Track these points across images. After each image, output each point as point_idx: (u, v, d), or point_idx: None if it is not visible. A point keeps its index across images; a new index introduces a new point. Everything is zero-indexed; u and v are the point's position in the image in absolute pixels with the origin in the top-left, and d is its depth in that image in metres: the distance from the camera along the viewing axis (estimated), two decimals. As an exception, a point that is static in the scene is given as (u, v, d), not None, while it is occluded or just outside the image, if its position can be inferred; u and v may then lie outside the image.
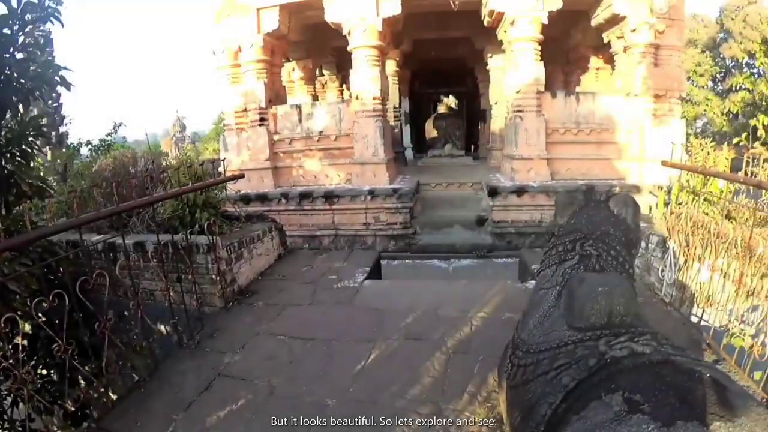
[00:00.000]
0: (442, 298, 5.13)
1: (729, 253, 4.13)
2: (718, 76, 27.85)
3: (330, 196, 8.33)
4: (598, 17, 9.14)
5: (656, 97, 8.28)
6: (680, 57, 8.72)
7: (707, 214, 5.31)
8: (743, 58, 26.12)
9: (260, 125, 9.06)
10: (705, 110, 26.04)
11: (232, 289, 5.56)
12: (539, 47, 8.37)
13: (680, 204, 5.75)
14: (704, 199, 5.62)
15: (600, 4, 8.91)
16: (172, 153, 31.10)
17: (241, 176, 6.27)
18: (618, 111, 8.48)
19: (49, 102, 19.32)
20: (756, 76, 25.89)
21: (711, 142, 6.41)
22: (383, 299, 5.28)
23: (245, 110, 9.16)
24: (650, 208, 7.89)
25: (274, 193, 8.64)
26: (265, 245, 6.44)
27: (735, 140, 6.35)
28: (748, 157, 5.19)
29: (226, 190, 6.77)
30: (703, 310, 4.27)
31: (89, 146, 13.79)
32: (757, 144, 5.72)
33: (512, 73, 8.59)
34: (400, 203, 8.17)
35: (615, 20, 8.65)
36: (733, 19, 25.99)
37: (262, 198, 8.67)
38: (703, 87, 26.95)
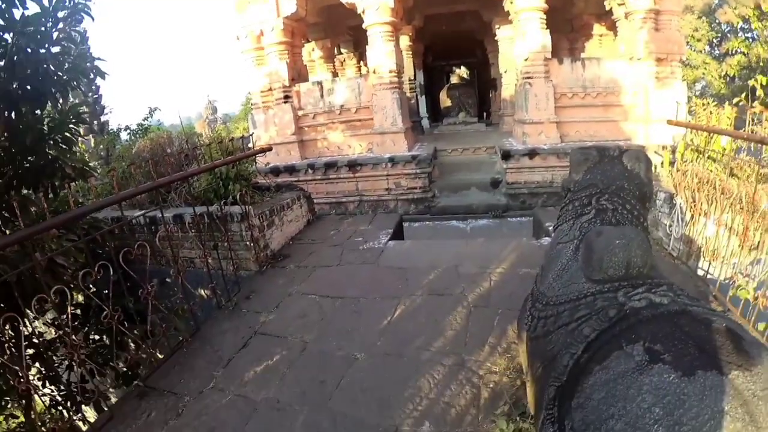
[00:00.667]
0: (461, 256, 4.94)
1: (734, 209, 3.85)
2: (714, 40, 26.54)
3: (353, 165, 8.12)
4: None
5: (658, 61, 7.88)
6: (679, 22, 8.33)
7: (711, 171, 5.00)
8: (738, 22, 24.76)
9: (285, 102, 8.82)
10: (703, 74, 24.94)
11: (265, 254, 5.45)
12: (545, 16, 7.99)
13: (685, 162, 5.42)
14: (708, 157, 5.29)
15: None
16: (205, 134, 31.26)
17: (269, 149, 6.08)
18: (622, 75, 8.10)
19: (89, 93, 19.47)
20: (750, 40, 24.55)
21: (712, 102, 6.01)
22: (406, 258, 5.11)
23: (270, 89, 8.91)
24: (655, 167, 7.59)
25: (301, 165, 8.46)
26: (295, 212, 6.29)
27: (735, 100, 5.92)
28: (751, 116, 4.83)
29: (255, 163, 6.61)
30: (710, 264, 4.09)
31: (128, 131, 13.65)
32: (756, 103, 5.31)
33: (520, 42, 8.23)
34: (419, 169, 7.92)
35: None
36: (727, -15, 24.62)
37: (290, 169, 8.50)
38: (700, 51, 25.80)
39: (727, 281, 3.69)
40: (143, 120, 13.95)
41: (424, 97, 13.88)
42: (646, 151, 7.79)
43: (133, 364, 3.74)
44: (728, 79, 24.37)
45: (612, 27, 10.92)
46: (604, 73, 8.10)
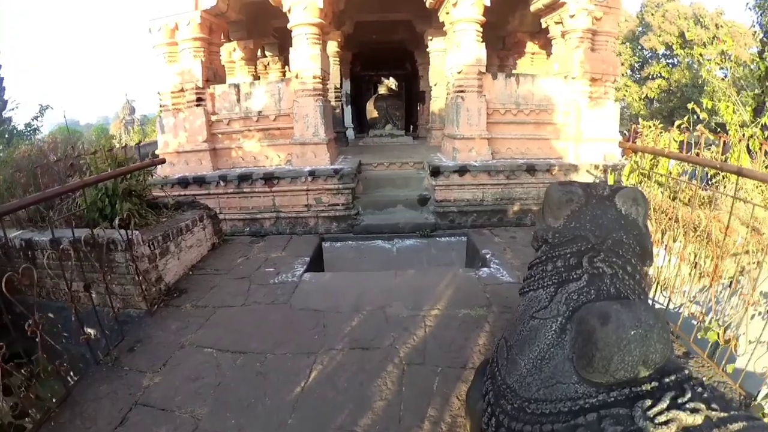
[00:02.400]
0: (389, 293, 4.31)
1: (687, 237, 3.54)
2: (636, 65, 28.32)
3: (270, 178, 7.31)
4: (538, 3, 8.47)
5: (593, 81, 7.80)
6: (615, 43, 8.27)
7: (656, 195, 4.80)
8: (661, 49, 26.56)
9: (197, 105, 7.86)
10: (624, 95, 26.42)
11: (158, 288, 4.54)
12: (481, 29, 7.69)
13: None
14: (654, 181, 5.09)
15: None
16: (121, 136, 29.02)
17: (162, 161, 5.21)
18: (556, 93, 7.97)
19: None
20: (671, 66, 26.41)
21: (658, 124, 5.91)
22: (325, 297, 4.39)
23: (182, 90, 7.91)
24: None
25: (212, 176, 7.54)
26: (196, 236, 5.41)
27: (677, 123, 5.83)
28: (697, 138, 4.66)
29: (152, 175, 5.67)
30: (661, 294, 3.73)
31: (15, 132, 11.96)
32: (700, 127, 5.22)
33: (453, 54, 7.85)
34: (341, 184, 7.25)
35: (554, 6, 8.08)
36: (653, 14, 26.46)
37: (200, 181, 7.56)
38: (623, 75, 27.43)
39: (675, 310, 3.50)
40: (33, 119, 12.23)
41: (350, 107, 13.23)
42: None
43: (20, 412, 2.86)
44: (648, 101, 26.05)
45: (545, 46, 10.97)
46: (538, 90, 7.91)
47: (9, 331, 2.73)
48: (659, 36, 25.85)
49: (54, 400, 3.04)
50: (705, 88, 23.91)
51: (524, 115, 7.97)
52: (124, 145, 5.40)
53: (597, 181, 7.84)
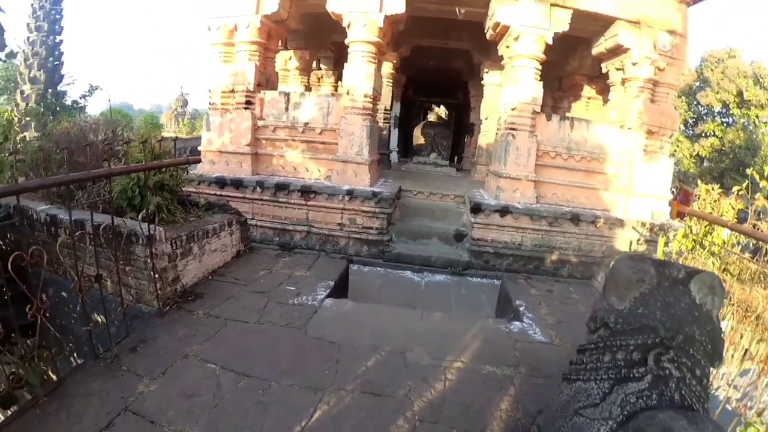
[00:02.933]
0: (412, 335, 4.01)
1: (737, 317, 3.14)
2: (690, 120, 27.36)
3: (307, 191, 7.15)
4: (600, 46, 8.20)
5: (649, 133, 7.43)
6: (675, 96, 7.96)
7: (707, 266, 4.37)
8: (717, 106, 25.65)
9: (245, 108, 7.81)
10: (675, 150, 25.46)
11: (174, 289, 4.38)
12: (540, 67, 7.42)
13: (683, 254, 4.76)
14: (707, 250, 4.64)
15: (604, 33, 7.97)
16: (171, 126, 29.80)
17: (197, 161, 5.04)
18: (610, 142, 7.60)
19: (50, 59, 17.99)
20: (726, 125, 25.44)
21: (717, 189, 5.46)
22: (343, 328, 4.11)
23: (233, 91, 7.88)
24: (631, 244, 7.11)
25: (249, 180, 7.43)
26: (222, 240, 5.25)
27: (735, 189, 5.39)
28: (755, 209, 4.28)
29: (187, 172, 5.56)
30: None
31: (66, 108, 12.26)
32: (759, 195, 4.77)
33: (509, 90, 7.60)
34: (378, 208, 7.02)
35: (617, 51, 7.79)
36: (712, 70, 25.53)
37: (237, 184, 7.47)
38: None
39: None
40: (81, 97, 12.46)
41: (397, 130, 13.08)
42: (617, 230, 7.39)
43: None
44: (698, 159, 25.04)
45: (602, 91, 10.56)
46: (592, 136, 7.58)
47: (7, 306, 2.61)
48: (717, 93, 24.93)
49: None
50: (760, 151, 22.91)
51: (575, 161, 7.62)
52: (159, 139, 5.26)
53: (648, 249, 7.33)
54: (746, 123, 25.62)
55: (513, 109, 7.33)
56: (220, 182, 7.54)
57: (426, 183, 8.90)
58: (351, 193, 6.96)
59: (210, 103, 8.34)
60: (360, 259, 7.02)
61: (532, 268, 7.14)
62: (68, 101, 17.51)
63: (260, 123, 7.90)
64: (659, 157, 7.56)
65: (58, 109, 16.04)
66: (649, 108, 7.39)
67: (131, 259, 4.13)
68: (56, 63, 18.55)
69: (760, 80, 25.45)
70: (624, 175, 7.57)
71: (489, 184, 8.18)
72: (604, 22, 7.63)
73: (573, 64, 10.32)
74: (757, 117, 25.50)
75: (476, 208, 7.01)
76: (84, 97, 13.63)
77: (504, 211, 7.01)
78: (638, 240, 7.22)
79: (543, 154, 7.52)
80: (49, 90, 17.85)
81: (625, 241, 7.19)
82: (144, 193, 4.74)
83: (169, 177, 4.99)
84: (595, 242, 7.22)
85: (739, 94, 25.20)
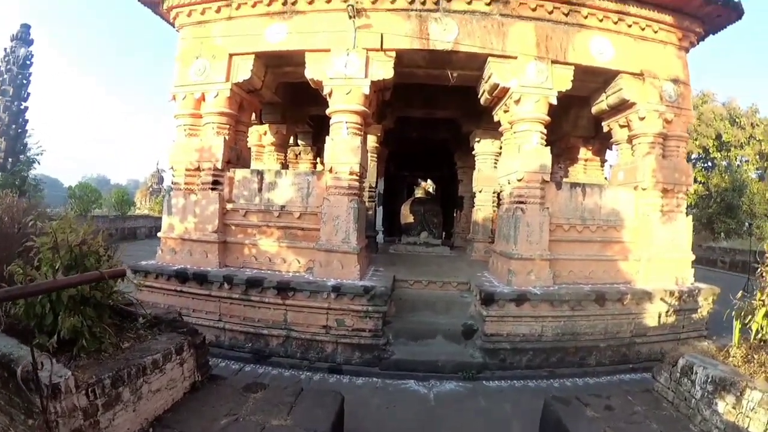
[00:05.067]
0: None
1: None
2: (671, 169, 27.30)
3: (284, 288, 5.83)
4: (601, 103, 7.58)
5: (664, 192, 6.82)
6: (686, 148, 7.27)
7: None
8: (697, 153, 25.71)
9: (212, 189, 6.66)
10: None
11: (87, 463, 2.90)
12: (545, 130, 6.61)
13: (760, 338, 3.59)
14: None
15: (605, 89, 7.38)
16: (145, 203, 28.46)
17: (121, 274, 3.64)
18: (625, 206, 6.91)
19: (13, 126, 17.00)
20: (707, 170, 25.35)
21: None
22: None
23: (198, 169, 6.76)
24: (660, 316, 6.35)
25: (216, 274, 6.11)
26: (168, 375, 3.80)
27: None
28: None
29: (121, 283, 4.19)
30: None
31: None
32: None
33: (510, 159, 6.78)
34: (371, 305, 5.70)
35: (621, 107, 7.22)
36: (689, 117, 25.89)
37: (202, 278, 6.14)
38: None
39: None
40: (15, 168, 11.12)
41: (381, 208, 11.98)
42: (645, 305, 6.30)
43: None
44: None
45: (599, 152, 9.91)
46: (606, 202, 6.83)
47: None
48: (695, 140, 24.98)
49: None
50: (746, 190, 22.70)
51: (590, 231, 6.78)
52: (95, 231, 3.91)
53: (677, 320, 6.51)
54: (727, 164, 25.57)
55: (519, 180, 6.39)
56: (182, 276, 6.25)
57: (421, 268, 7.69)
58: (338, 290, 5.65)
59: (172, 183, 7.18)
60: (351, 368, 5.63)
61: (556, 361, 5.98)
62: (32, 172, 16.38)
63: (229, 206, 6.71)
64: (677, 216, 6.86)
65: (17, 182, 14.72)
66: (662, 165, 6.79)
67: (33, 411, 2.70)
68: (20, 131, 17.44)
69: (737, 120, 25.79)
70: (642, 240, 6.77)
71: (497, 266, 6.99)
72: (606, 77, 7.14)
73: (567, 126, 9.60)
74: (737, 158, 25.61)
75: (488, 299, 5.79)
76: (17, 169, 12.32)
77: (520, 299, 5.83)
78: (667, 312, 6.38)
79: (556, 227, 6.59)
80: (10, 159, 16.58)
81: (653, 315, 6.33)
82: (58, 310, 3.35)
83: (95, 287, 3.61)
84: (623, 321, 6.25)
85: (718, 137, 25.38)
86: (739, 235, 21.53)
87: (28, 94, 18.23)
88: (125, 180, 71.11)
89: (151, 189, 29.16)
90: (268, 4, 6.56)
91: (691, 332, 6.60)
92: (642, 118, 6.79)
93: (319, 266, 6.11)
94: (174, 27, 7.29)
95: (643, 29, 6.76)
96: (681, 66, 6.99)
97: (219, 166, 6.65)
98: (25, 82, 18.01)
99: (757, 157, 25.70)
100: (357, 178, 6.26)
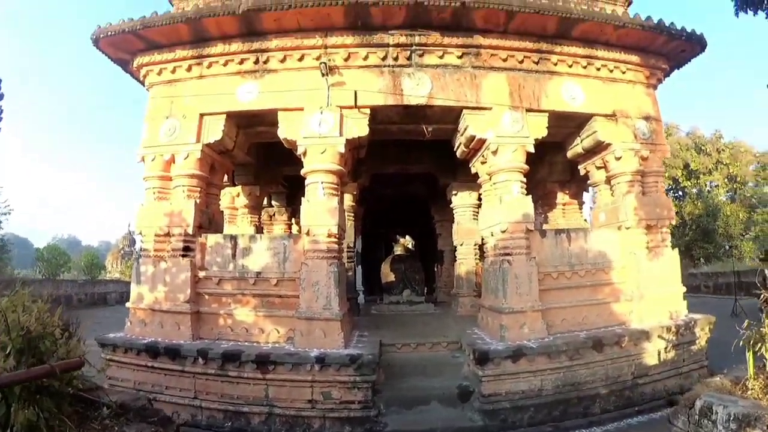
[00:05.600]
0: None
1: None
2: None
3: (264, 362, 5.40)
4: (577, 147, 7.63)
5: (648, 228, 6.78)
6: (663, 183, 7.31)
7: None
8: (669, 184, 26.42)
9: (183, 256, 6.27)
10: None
11: None
12: (524, 179, 6.54)
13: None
14: None
15: (579, 133, 7.42)
16: (116, 266, 27.44)
17: (79, 365, 3.22)
18: (611, 247, 6.83)
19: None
20: (678, 199, 25.94)
21: None
22: None
23: (168, 234, 6.37)
24: (659, 353, 6.25)
25: (189, 348, 5.66)
26: (134, 482, 3.33)
27: None
28: None
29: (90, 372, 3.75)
30: None
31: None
32: None
33: (492, 210, 6.65)
34: (359, 375, 5.29)
35: (596, 150, 7.27)
36: (656, 152, 26.92)
37: (174, 353, 5.70)
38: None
39: None
40: None
41: (360, 267, 11.63)
42: (642, 344, 6.10)
43: None
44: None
45: (576, 195, 9.91)
46: (593, 246, 6.75)
47: None
48: (665, 172, 25.80)
49: None
50: (720, 214, 23.23)
51: (579, 277, 6.64)
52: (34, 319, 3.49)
53: (677, 355, 6.41)
54: (698, 191, 26.22)
55: (503, 232, 6.24)
56: (152, 350, 5.79)
57: (407, 329, 7.36)
58: (322, 361, 5.24)
59: (141, 249, 6.79)
60: (341, 445, 5.14)
61: (559, 414, 5.70)
62: None
63: (202, 274, 6.33)
64: (663, 251, 6.82)
65: None
66: (643, 202, 6.74)
67: None
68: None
69: (702, 148, 26.67)
70: (632, 279, 6.67)
71: (486, 321, 6.70)
72: (579, 121, 7.19)
73: (543, 172, 9.61)
74: (706, 183, 26.32)
75: (483, 358, 5.48)
76: None
77: (516, 354, 5.58)
78: (666, 348, 6.29)
79: (544, 276, 6.40)
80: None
81: (652, 353, 6.24)
82: (11, 402, 2.89)
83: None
84: (623, 364, 6.10)
85: (686, 166, 26.12)
86: (718, 258, 22.02)
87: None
88: (97, 241, 68.85)
89: (122, 252, 28.19)
90: (240, 63, 6.47)
91: (692, 365, 6.51)
92: (618, 158, 6.82)
93: (300, 335, 5.70)
94: (144, 86, 7.09)
95: (611, 71, 6.89)
96: (651, 103, 7.12)
97: (190, 231, 6.29)
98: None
99: (726, 180, 26.55)
100: (336, 240, 5.99)
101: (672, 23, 6.55)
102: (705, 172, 26.54)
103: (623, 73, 6.94)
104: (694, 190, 26.69)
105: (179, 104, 6.62)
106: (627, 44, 6.75)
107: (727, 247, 20.82)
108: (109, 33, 6.37)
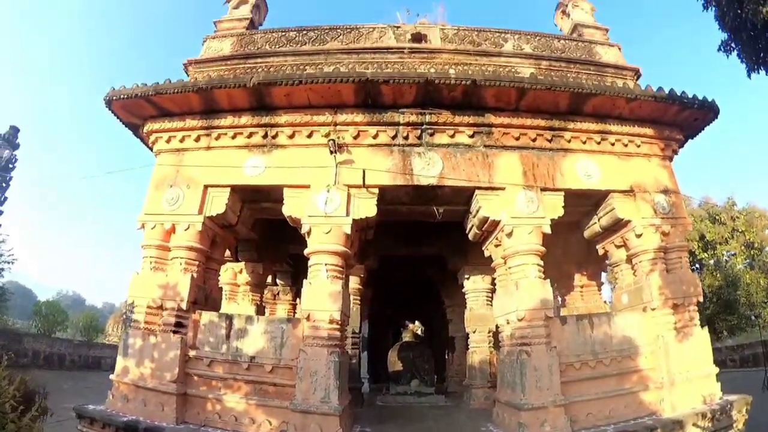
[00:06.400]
0: None
1: None
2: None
3: (251, 462, 4.85)
4: (594, 225, 7.34)
5: (675, 308, 6.31)
6: (688, 258, 6.91)
7: None
8: None
9: (175, 332, 5.90)
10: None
11: None
12: (541, 262, 6.18)
13: None
14: None
15: (596, 211, 7.16)
16: (116, 331, 26.73)
17: None
18: (637, 331, 6.38)
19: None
20: (696, 272, 25.11)
21: None
22: None
23: (161, 307, 6.03)
24: None
25: (171, 433, 5.13)
26: None
27: None
28: None
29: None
30: None
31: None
32: None
33: (507, 296, 6.26)
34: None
35: (615, 227, 6.98)
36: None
37: (154, 434, 5.15)
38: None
39: None
40: None
41: (366, 353, 11.06)
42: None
43: None
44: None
45: (594, 276, 9.46)
46: (617, 331, 6.30)
47: None
48: (681, 246, 25.25)
49: None
50: (741, 283, 22.28)
51: (604, 366, 6.13)
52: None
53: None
54: (715, 262, 25.49)
55: (520, 320, 5.84)
56: (132, 430, 5.31)
57: (416, 425, 6.75)
58: (317, 467, 4.68)
59: (132, 320, 6.34)
60: None
61: None
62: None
63: (192, 353, 5.92)
64: (692, 331, 6.36)
65: None
66: (668, 280, 6.33)
67: None
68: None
69: (717, 217, 26.14)
70: (661, 364, 6.14)
71: (503, 418, 6.11)
72: (596, 199, 6.95)
73: (558, 254, 9.15)
74: (723, 253, 25.57)
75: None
76: None
77: (540, 463, 4.91)
78: None
79: (566, 367, 5.90)
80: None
81: None
82: None
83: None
84: None
85: (701, 237, 25.50)
86: (741, 329, 21.03)
87: (5, 198, 17.71)
88: (101, 303, 67.72)
89: (124, 317, 27.65)
90: (248, 136, 6.44)
91: (731, 450, 5.90)
92: (639, 235, 6.51)
93: (293, 429, 5.18)
94: (152, 151, 7.06)
95: (626, 145, 6.76)
96: (668, 175, 6.91)
97: (184, 306, 5.96)
98: (3, 185, 17.57)
99: (743, 247, 25.88)
100: (338, 326, 5.61)
101: (683, 92, 6.46)
102: (721, 242, 25.96)
103: (638, 146, 6.82)
104: (711, 262, 25.98)
105: (184, 174, 6.53)
106: (640, 117, 6.67)
107: (753, 318, 19.85)
108: (122, 96, 6.43)
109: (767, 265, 25.36)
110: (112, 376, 6.12)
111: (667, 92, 6.39)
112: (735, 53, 6.03)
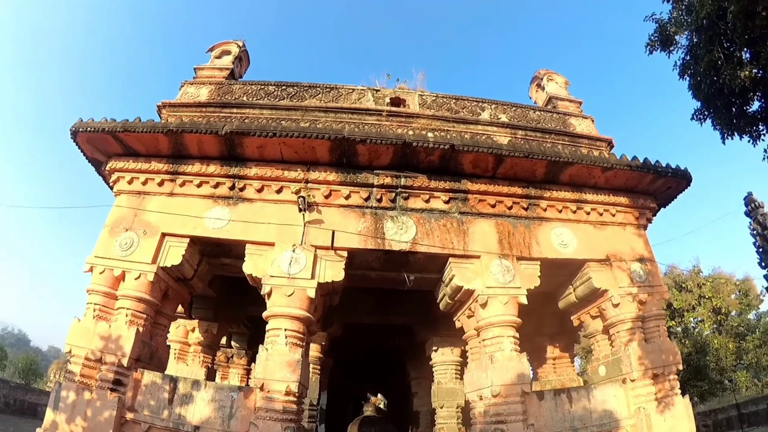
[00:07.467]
0: None
1: None
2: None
3: None
4: (569, 296, 7.31)
5: (654, 378, 6.22)
6: (665, 326, 6.86)
7: None
8: None
9: (112, 390, 5.39)
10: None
11: None
12: (517, 334, 6.05)
13: None
14: None
15: (572, 281, 7.14)
16: (59, 377, 24.79)
17: None
18: (617, 404, 6.26)
19: None
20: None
21: None
22: None
23: (100, 361, 5.52)
24: None
25: None
26: None
27: None
28: None
29: None
30: None
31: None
32: None
33: (480, 370, 6.03)
34: None
35: (592, 296, 6.93)
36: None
37: None
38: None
39: None
40: None
41: (323, 425, 10.37)
42: None
43: None
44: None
45: (566, 348, 9.29)
46: (596, 405, 6.13)
47: None
48: (648, 315, 25.59)
49: None
50: (710, 349, 22.46)
51: None
52: None
53: None
54: (683, 329, 25.83)
55: (495, 396, 5.60)
56: None
57: None
58: None
59: (67, 371, 5.80)
60: None
61: None
62: None
63: (130, 416, 5.42)
64: (673, 400, 6.19)
65: None
66: (647, 349, 6.25)
67: None
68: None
69: (683, 285, 26.54)
70: None
71: None
72: (572, 269, 6.92)
73: (531, 326, 8.93)
74: (691, 320, 25.84)
75: None
76: None
77: None
78: None
79: (545, 447, 5.67)
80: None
81: None
82: None
83: None
84: None
85: (669, 306, 25.79)
86: (713, 394, 21.09)
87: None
88: (47, 345, 63.33)
89: (67, 364, 25.86)
90: (215, 186, 6.24)
91: None
92: (616, 305, 6.46)
93: None
94: (112, 191, 6.72)
95: (601, 214, 6.84)
96: (643, 244, 6.97)
97: (125, 362, 5.49)
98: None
99: (711, 313, 26.31)
100: (295, 399, 5.23)
101: (657, 161, 6.63)
102: (688, 309, 26.46)
103: (613, 215, 6.91)
104: (679, 329, 26.34)
105: (142, 218, 6.22)
106: (615, 186, 6.81)
107: (726, 382, 19.76)
108: (88, 128, 6.16)
109: (735, 328, 25.82)
110: (38, 430, 5.47)
111: (641, 161, 6.58)
112: (709, 121, 6.16)
